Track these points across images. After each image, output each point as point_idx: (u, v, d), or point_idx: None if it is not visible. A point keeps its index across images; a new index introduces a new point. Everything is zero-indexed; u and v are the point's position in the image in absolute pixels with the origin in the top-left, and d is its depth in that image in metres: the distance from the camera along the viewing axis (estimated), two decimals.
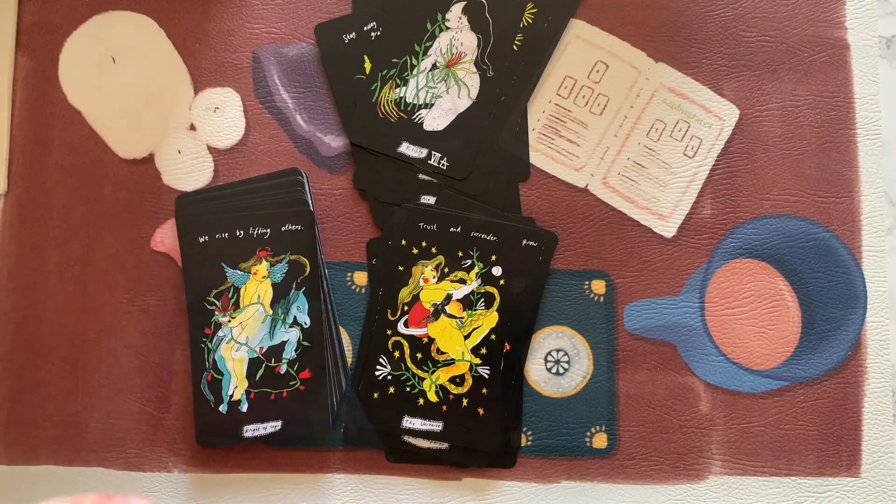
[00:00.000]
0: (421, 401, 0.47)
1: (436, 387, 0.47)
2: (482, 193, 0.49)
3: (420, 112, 0.49)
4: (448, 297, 0.47)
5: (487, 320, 0.47)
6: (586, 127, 0.50)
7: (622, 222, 0.50)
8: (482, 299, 0.48)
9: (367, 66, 0.48)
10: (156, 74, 0.49)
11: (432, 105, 0.49)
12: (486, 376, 0.47)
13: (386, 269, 0.48)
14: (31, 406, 0.49)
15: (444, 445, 0.47)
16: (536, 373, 0.48)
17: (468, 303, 0.47)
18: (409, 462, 0.47)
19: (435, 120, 0.49)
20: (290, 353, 0.47)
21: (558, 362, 0.48)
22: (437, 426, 0.47)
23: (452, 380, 0.47)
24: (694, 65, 0.51)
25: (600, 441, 0.48)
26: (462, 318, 0.47)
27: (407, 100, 0.49)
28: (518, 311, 0.48)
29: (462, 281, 0.47)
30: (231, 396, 0.46)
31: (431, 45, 0.49)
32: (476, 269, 0.47)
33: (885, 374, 0.48)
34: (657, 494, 0.47)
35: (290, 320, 0.47)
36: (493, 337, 0.47)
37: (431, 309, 0.47)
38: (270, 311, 0.47)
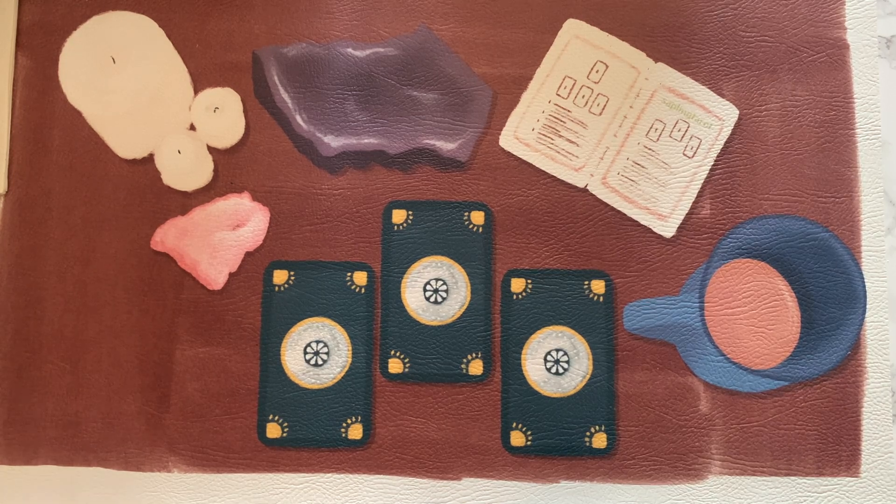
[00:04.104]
0: None
1: None
2: None
3: None
4: None
5: None
6: (586, 127, 0.50)
7: (622, 222, 0.50)
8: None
9: None
10: (156, 74, 0.49)
11: None
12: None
13: None
14: (31, 406, 0.49)
15: None
16: (536, 373, 0.48)
17: None
18: None
19: None
20: None
21: (558, 362, 0.48)
22: None
23: None
24: (693, 65, 0.51)
25: (600, 441, 0.48)
26: None
27: None
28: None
29: None
30: None
31: None
32: None
33: (884, 374, 0.48)
34: (657, 494, 0.48)
35: None
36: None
37: None
38: None
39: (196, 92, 0.51)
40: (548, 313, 0.49)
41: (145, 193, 0.50)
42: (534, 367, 0.48)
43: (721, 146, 0.50)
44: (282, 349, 0.49)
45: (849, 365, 0.48)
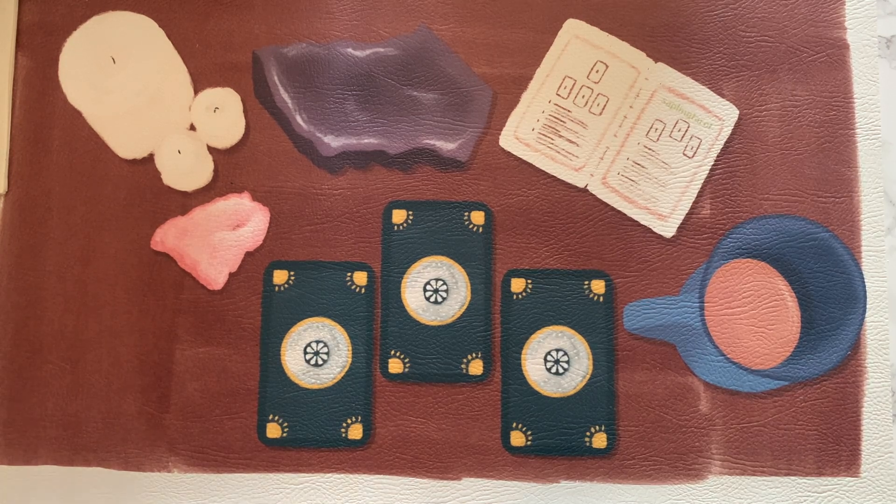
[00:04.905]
0: None
1: None
2: None
3: None
4: None
5: None
6: (586, 127, 0.50)
7: (622, 222, 0.50)
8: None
9: None
10: (156, 74, 0.49)
11: None
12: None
13: None
14: (31, 406, 0.49)
15: None
16: (536, 373, 0.48)
17: None
18: None
19: None
20: None
21: (558, 362, 0.48)
22: None
23: None
24: (694, 65, 0.51)
25: (600, 441, 0.48)
26: None
27: None
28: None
29: None
30: None
31: None
32: None
33: (884, 374, 0.48)
34: (657, 494, 0.48)
35: None
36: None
37: None
38: None
39: (196, 92, 0.51)
40: (548, 313, 0.49)
41: (145, 193, 0.50)
42: (534, 367, 0.48)
43: (721, 146, 0.50)
44: (282, 349, 0.49)
45: (849, 365, 0.48)
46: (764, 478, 0.48)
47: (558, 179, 0.50)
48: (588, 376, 0.48)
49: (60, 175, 0.50)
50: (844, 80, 0.51)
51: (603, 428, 0.48)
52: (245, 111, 0.51)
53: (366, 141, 0.50)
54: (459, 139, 0.50)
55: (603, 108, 0.50)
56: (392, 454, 0.48)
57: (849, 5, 0.52)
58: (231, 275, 0.49)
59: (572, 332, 0.49)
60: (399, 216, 0.50)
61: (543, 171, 0.50)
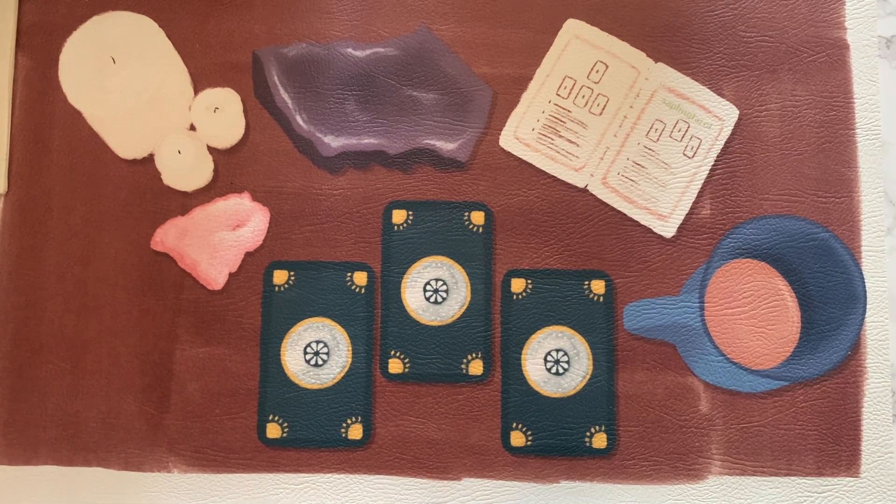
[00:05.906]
0: None
1: None
2: None
3: None
4: None
5: None
6: (586, 127, 0.50)
7: (622, 222, 0.50)
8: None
9: None
10: (156, 74, 0.49)
11: None
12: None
13: None
14: (31, 406, 0.49)
15: None
16: (536, 373, 0.48)
17: None
18: None
19: None
20: None
21: (558, 362, 0.48)
22: None
23: None
24: (694, 65, 0.51)
25: (600, 441, 0.48)
26: None
27: None
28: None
29: None
30: None
31: None
32: None
33: (884, 374, 0.48)
34: (657, 494, 0.48)
35: None
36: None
37: None
38: None
39: (196, 92, 0.51)
40: (548, 313, 0.49)
41: (145, 193, 0.50)
42: (534, 367, 0.48)
43: (721, 146, 0.50)
44: (282, 349, 0.49)
45: (849, 365, 0.48)
46: (764, 478, 0.48)
47: (558, 179, 0.50)
48: (588, 376, 0.48)
49: (60, 175, 0.50)
50: (844, 80, 0.51)
51: (603, 428, 0.48)
52: (245, 111, 0.51)
53: (366, 141, 0.50)
54: (459, 139, 0.50)
55: (603, 108, 0.50)
56: (392, 454, 0.48)
57: (849, 5, 0.52)
58: (231, 275, 0.49)
59: (572, 332, 0.49)
60: (399, 216, 0.50)
61: (543, 171, 0.50)
